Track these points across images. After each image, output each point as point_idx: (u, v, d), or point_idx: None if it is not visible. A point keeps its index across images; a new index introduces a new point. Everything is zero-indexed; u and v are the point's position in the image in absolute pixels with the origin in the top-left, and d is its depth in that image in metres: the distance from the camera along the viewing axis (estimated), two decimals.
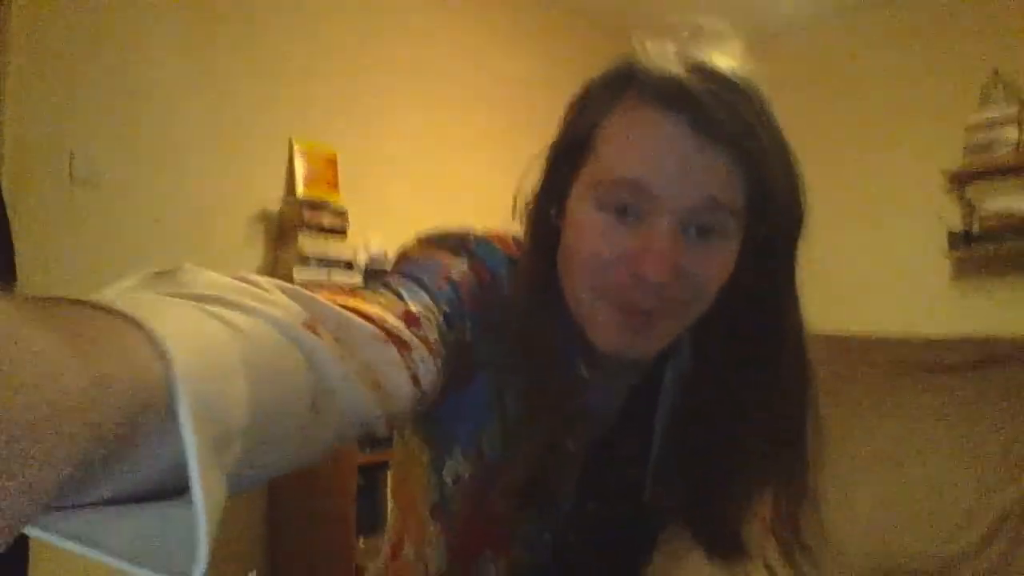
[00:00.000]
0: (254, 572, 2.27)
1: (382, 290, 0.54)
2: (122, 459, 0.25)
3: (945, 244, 2.92)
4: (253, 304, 0.35)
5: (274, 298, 0.38)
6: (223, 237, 2.41)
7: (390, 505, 0.82)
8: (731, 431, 0.65)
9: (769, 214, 0.58)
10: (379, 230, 2.67)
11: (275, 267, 2.50)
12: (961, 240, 2.88)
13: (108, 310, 0.27)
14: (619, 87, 0.58)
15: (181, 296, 0.33)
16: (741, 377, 0.64)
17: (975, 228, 2.85)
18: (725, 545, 0.68)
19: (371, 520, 2.27)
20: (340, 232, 2.56)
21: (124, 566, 0.28)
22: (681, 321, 0.60)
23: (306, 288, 0.42)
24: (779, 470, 0.66)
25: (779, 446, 0.65)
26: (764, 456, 0.65)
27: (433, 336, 0.53)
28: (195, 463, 0.26)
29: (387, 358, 0.46)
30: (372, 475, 2.32)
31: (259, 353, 0.33)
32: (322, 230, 2.50)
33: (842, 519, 2.43)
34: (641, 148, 0.56)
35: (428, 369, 0.51)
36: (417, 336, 0.51)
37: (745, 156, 0.55)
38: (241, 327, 0.33)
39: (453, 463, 0.68)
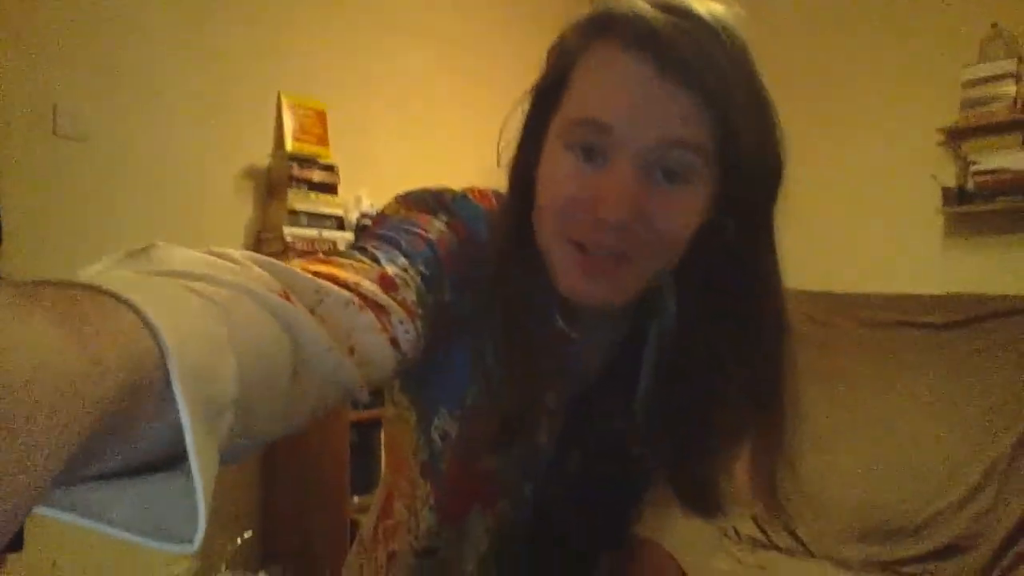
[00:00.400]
0: (250, 532, 2.29)
1: (358, 254, 0.54)
2: (120, 434, 0.26)
3: (939, 201, 2.91)
4: (229, 278, 0.36)
5: (248, 271, 0.38)
6: (211, 193, 2.38)
7: (383, 462, 0.83)
8: (710, 387, 0.65)
9: (742, 161, 0.56)
10: (370, 186, 2.64)
11: (265, 224, 2.48)
12: (955, 198, 2.87)
13: (93, 290, 0.27)
14: (592, 29, 0.58)
15: (158, 274, 0.33)
16: (718, 332, 0.63)
17: (969, 186, 2.84)
18: (704, 503, 0.69)
19: (365, 478, 2.29)
20: (331, 188, 2.53)
21: (125, 537, 0.29)
22: (646, 268, 0.59)
23: (292, 249, 0.42)
24: (757, 428, 0.67)
25: (757, 404, 0.65)
26: (743, 414, 0.66)
27: (411, 298, 0.53)
28: (191, 433, 0.27)
29: (364, 324, 0.47)
30: (366, 432, 2.34)
31: (240, 325, 0.33)
32: (312, 186, 2.47)
33: (827, 476, 2.47)
34: (604, 87, 0.55)
35: (408, 332, 0.51)
36: (394, 300, 0.51)
37: (711, 97, 0.53)
38: (221, 301, 0.33)
39: (440, 422, 0.68)
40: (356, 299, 0.47)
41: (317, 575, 2.25)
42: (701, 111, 0.53)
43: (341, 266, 0.50)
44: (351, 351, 0.45)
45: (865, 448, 2.56)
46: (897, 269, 3.07)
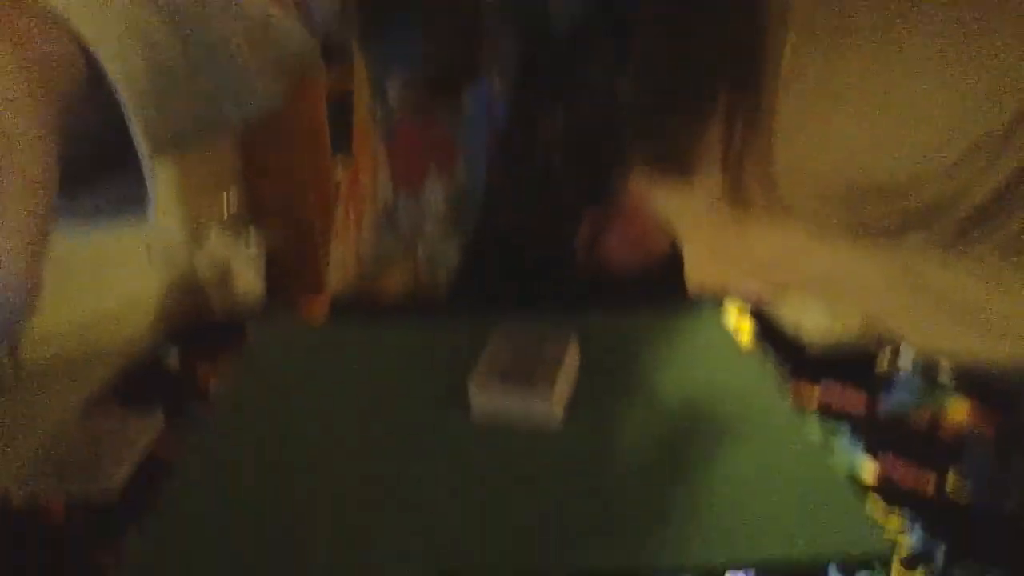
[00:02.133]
0: (233, 190, 2.32)
1: None
2: (67, 127, 0.26)
3: None
4: None
5: None
6: None
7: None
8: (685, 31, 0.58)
9: None
10: None
11: None
12: None
13: None
14: None
15: None
16: None
17: None
18: (667, 158, 0.66)
19: (344, 134, 2.25)
20: None
21: (86, 225, 0.32)
22: None
23: None
24: (733, 85, 0.61)
25: (735, 57, 0.59)
26: (718, 64, 0.60)
27: None
28: (127, 100, 0.28)
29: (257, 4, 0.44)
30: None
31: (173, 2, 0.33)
32: None
33: (818, 140, 2.46)
34: None
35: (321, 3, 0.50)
36: None
37: None
38: None
39: (394, 82, 0.69)
40: None
41: (305, 227, 2.33)
42: None
43: None
44: (298, 4, 0.44)
45: (857, 113, 2.50)
46: None
